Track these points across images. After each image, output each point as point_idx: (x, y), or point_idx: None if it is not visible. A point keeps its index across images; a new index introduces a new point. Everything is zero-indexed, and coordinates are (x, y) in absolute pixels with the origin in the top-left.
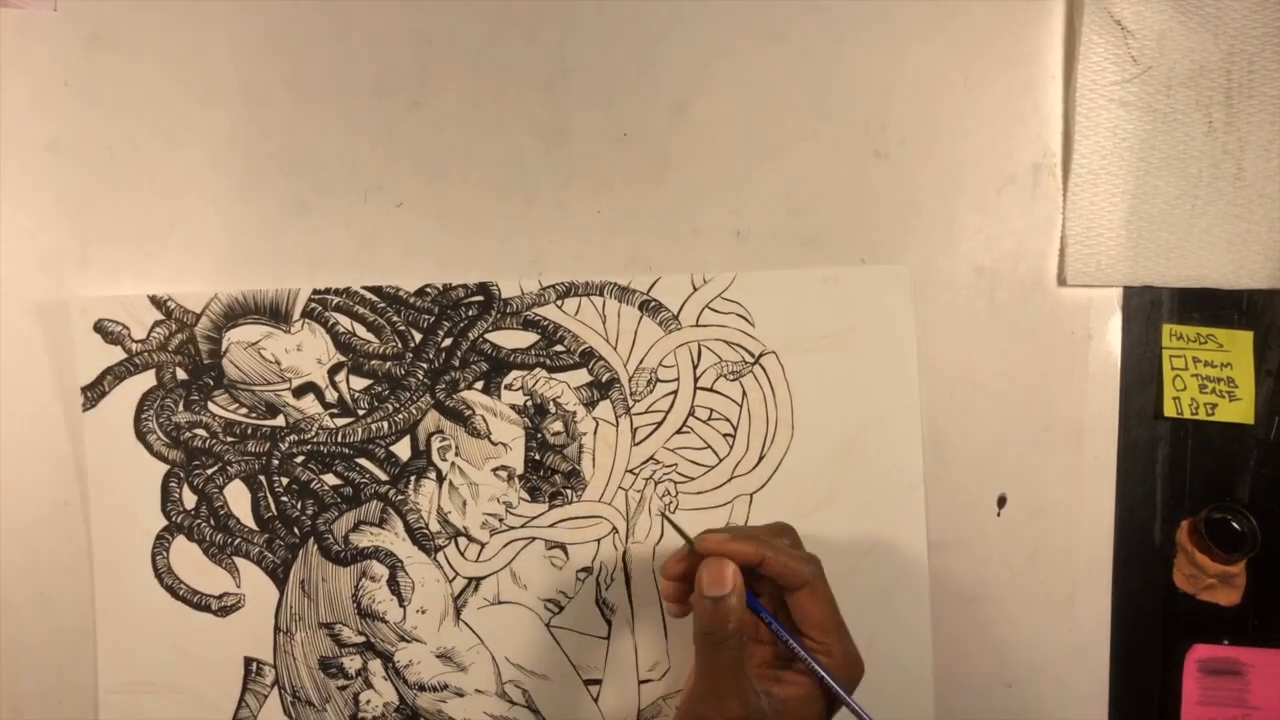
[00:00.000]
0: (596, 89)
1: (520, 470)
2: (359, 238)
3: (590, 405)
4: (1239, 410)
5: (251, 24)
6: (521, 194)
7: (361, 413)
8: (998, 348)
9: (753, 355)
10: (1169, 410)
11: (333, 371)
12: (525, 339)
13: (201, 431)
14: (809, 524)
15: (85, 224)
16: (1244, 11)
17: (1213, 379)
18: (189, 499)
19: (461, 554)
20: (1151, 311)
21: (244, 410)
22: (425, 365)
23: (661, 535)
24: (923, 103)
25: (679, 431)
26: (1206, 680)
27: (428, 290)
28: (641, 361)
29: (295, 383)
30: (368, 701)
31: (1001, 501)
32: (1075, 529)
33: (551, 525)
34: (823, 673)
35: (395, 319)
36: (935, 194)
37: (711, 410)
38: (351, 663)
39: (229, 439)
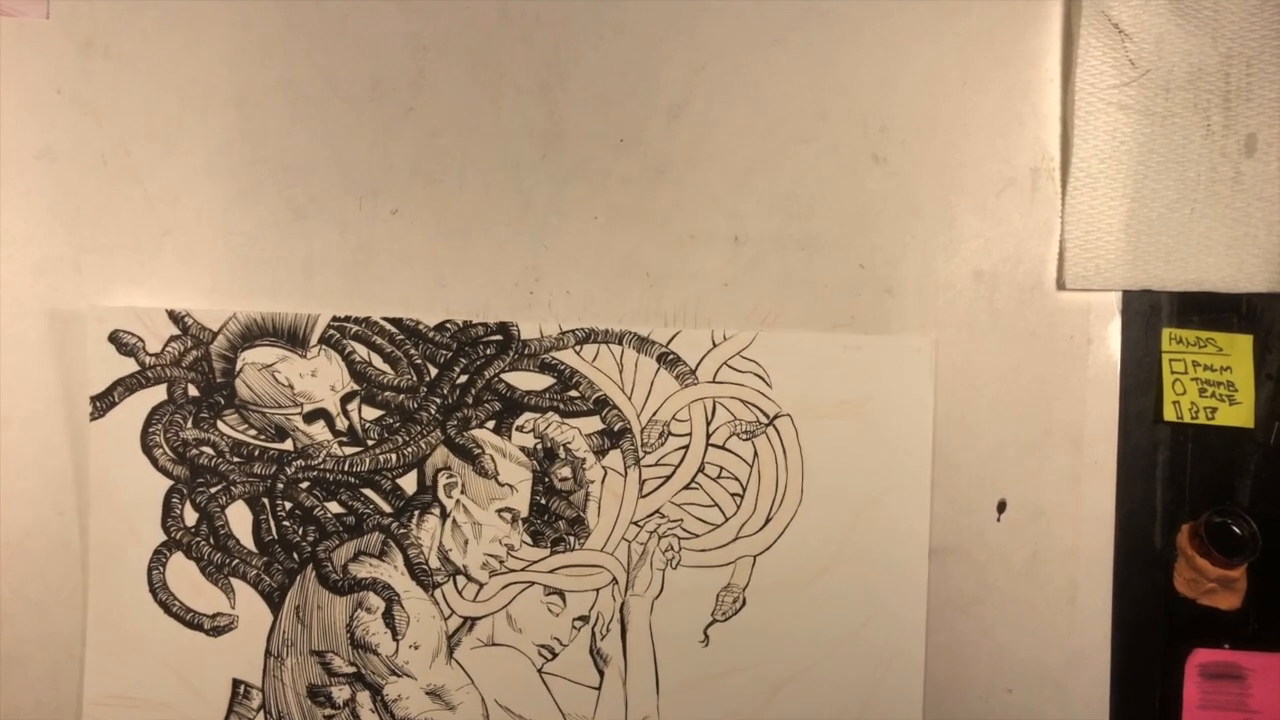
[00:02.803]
0: (593, 94)
1: (525, 513)
2: (354, 244)
3: (600, 453)
4: (1239, 414)
5: (245, 30)
6: (518, 199)
7: (371, 443)
8: (997, 352)
9: (767, 416)
10: (1169, 414)
11: (345, 400)
12: (541, 381)
13: (208, 449)
14: (811, 589)
15: (79, 231)
16: (1242, 14)
17: (1212, 383)
18: (190, 516)
19: (459, 592)
20: (1151, 315)
21: (253, 432)
22: (439, 400)
23: (661, 590)
24: (921, 107)
25: (687, 487)
26: (1207, 684)
27: (448, 325)
28: (655, 413)
29: (307, 408)
30: None
31: (1001, 506)
32: (1075, 533)
33: (551, 571)
34: None
35: (413, 351)
36: (934, 198)
37: (721, 468)
38: (340, 693)
39: (235, 459)
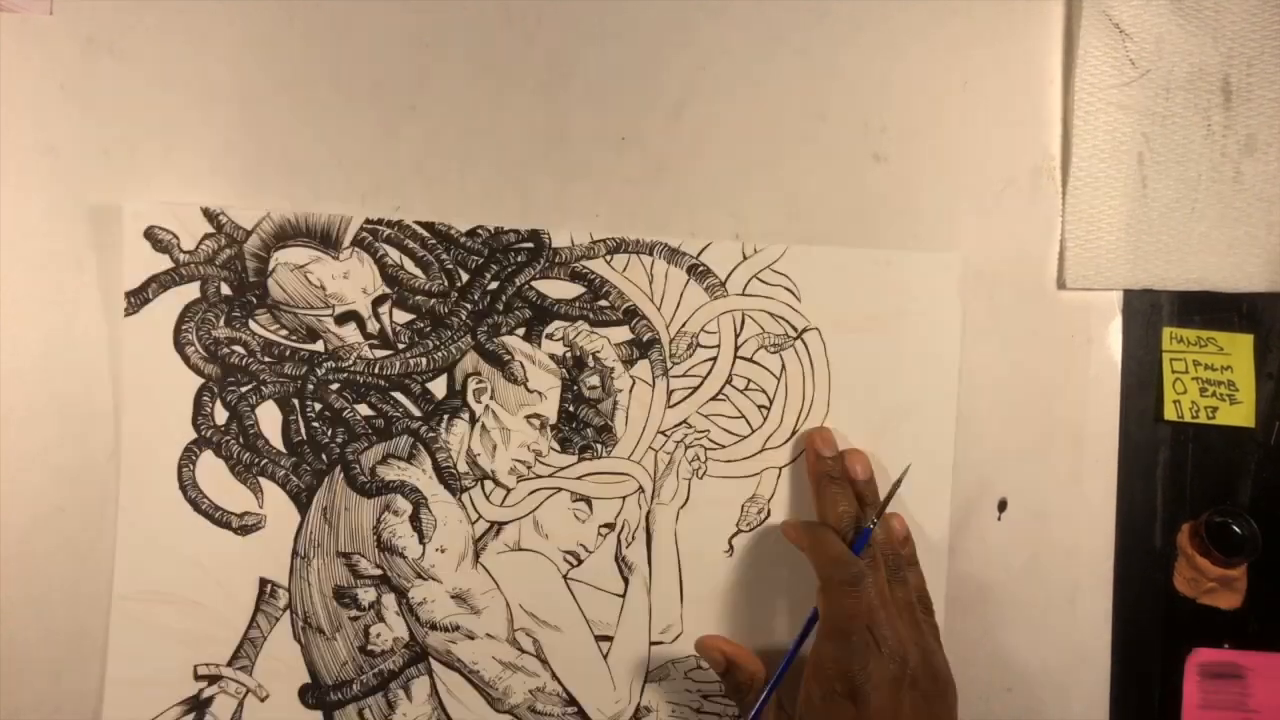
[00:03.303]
0: (595, 92)
1: (553, 420)
2: None
3: (629, 363)
4: (1239, 413)
5: (248, 27)
6: (520, 197)
7: (401, 347)
8: (997, 351)
9: (795, 330)
10: (1169, 413)
11: (377, 302)
12: (571, 290)
13: (240, 349)
14: None
15: (82, 229)
16: (1242, 14)
17: (1213, 382)
18: (220, 415)
19: (487, 497)
20: (1151, 314)
21: (284, 332)
22: (469, 306)
23: (687, 500)
24: (922, 106)
25: (714, 398)
26: (1207, 684)
27: (479, 231)
28: (684, 325)
29: (338, 310)
30: (378, 635)
31: (1002, 505)
32: (1076, 533)
33: (579, 478)
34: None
35: (444, 256)
36: (934, 197)
37: (749, 380)
38: (366, 595)
39: (266, 359)
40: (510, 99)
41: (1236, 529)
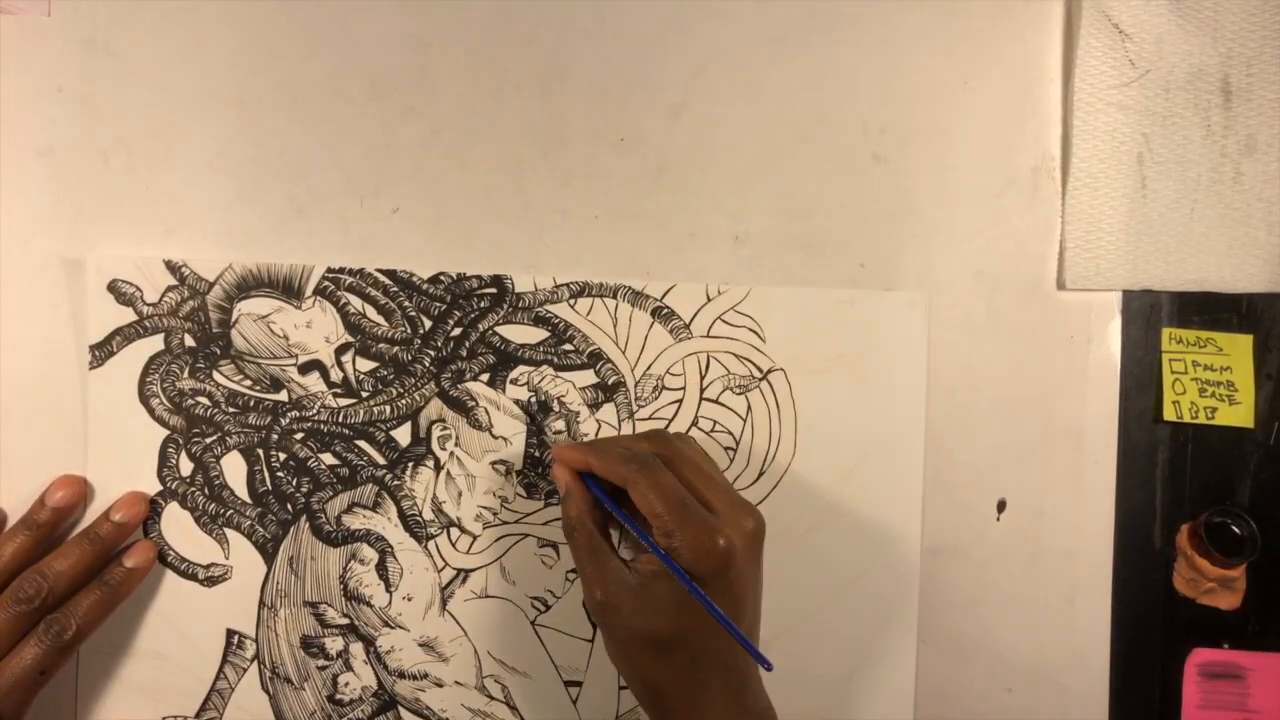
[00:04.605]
0: (594, 93)
1: (519, 466)
2: (355, 243)
3: (594, 407)
4: (1239, 414)
5: (247, 28)
6: (518, 198)
7: (365, 395)
8: (997, 351)
9: (761, 371)
10: (1169, 414)
11: (340, 351)
12: (535, 335)
13: (204, 400)
14: (805, 542)
15: (80, 229)
16: (1242, 14)
17: (1212, 382)
18: (185, 466)
19: (453, 545)
20: (1151, 315)
21: (248, 382)
22: (433, 353)
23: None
24: (921, 106)
25: None
26: (1206, 684)
27: (441, 278)
28: (649, 368)
29: (302, 359)
30: (346, 684)
31: (1001, 506)
32: (1075, 533)
33: (545, 523)
34: (664, 558)
35: (407, 304)
36: (934, 198)
37: (715, 422)
38: (333, 644)
39: (231, 410)
40: (509, 99)
41: (1236, 529)
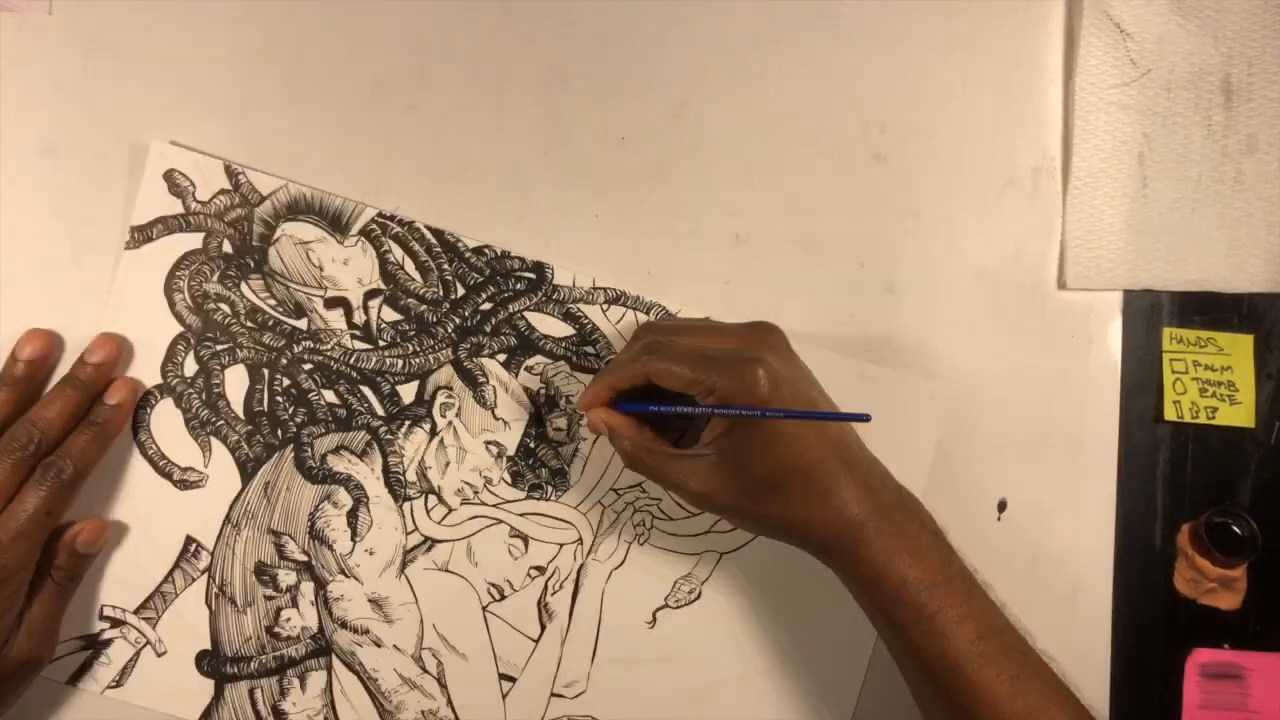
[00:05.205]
0: (595, 92)
1: (511, 452)
2: None
3: None
4: (1240, 414)
5: (248, 27)
6: (520, 197)
7: (382, 344)
8: (997, 351)
9: None
10: (1169, 414)
11: (369, 295)
12: (561, 329)
13: (225, 307)
14: (768, 599)
15: (80, 229)
16: (1244, 14)
17: (1213, 382)
18: (190, 367)
19: (428, 512)
20: (1152, 315)
21: (273, 301)
22: (458, 320)
23: (623, 562)
24: (922, 106)
25: None
26: (1207, 684)
27: (485, 250)
28: None
29: (330, 293)
30: (288, 619)
31: (1001, 506)
32: (1075, 533)
33: (522, 515)
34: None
35: (446, 267)
36: (935, 197)
37: None
38: (286, 577)
39: (248, 324)
40: (510, 99)
41: (1236, 529)
